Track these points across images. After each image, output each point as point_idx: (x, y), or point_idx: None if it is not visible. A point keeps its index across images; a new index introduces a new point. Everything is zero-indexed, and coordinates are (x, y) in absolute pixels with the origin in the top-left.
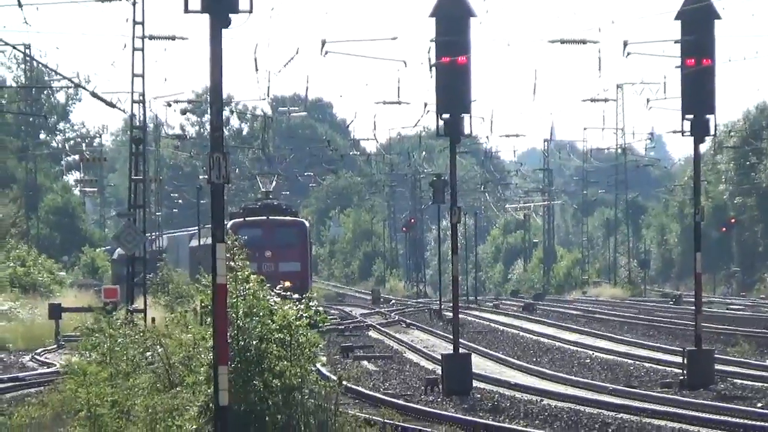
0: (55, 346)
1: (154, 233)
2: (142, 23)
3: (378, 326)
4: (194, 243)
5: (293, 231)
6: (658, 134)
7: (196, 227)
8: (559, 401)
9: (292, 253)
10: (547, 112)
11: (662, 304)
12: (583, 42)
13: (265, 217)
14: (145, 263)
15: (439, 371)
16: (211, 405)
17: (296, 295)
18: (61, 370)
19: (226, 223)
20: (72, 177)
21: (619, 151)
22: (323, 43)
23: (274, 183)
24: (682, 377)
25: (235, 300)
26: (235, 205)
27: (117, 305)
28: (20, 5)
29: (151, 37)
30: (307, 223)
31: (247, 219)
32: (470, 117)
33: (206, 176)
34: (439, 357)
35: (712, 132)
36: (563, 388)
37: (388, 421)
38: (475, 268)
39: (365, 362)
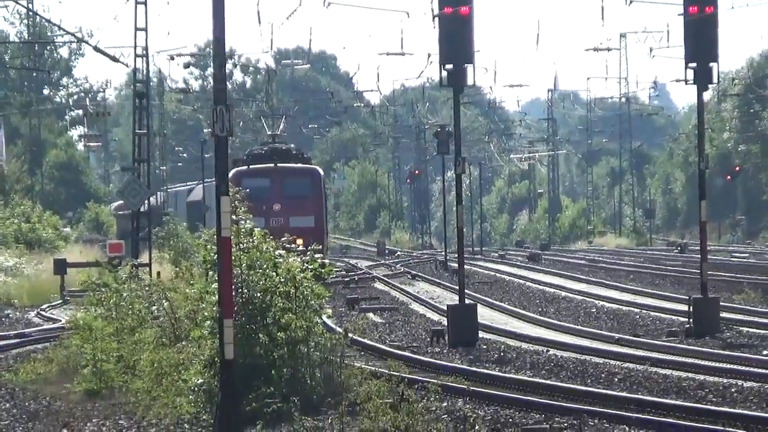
0: (61, 301)
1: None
2: None
3: (383, 278)
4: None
5: (306, 180)
6: (662, 83)
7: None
8: (566, 351)
9: (304, 206)
10: (550, 62)
11: (668, 252)
12: None
13: (272, 165)
14: (150, 218)
15: (445, 322)
16: (216, 359)
17: (301, 247)
18: (66, 325)
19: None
20: (76, 132)
21: (623, 100)
22: None
23: (282, 125)
24: (687, 326)
25: (237, 253)
26: None
27: (122, 260)
28: None
29: None
30: (321, 171)
31: (251, 167)
32: (473, 67)
33: (210, 129)
34: (445, 308)
35: (715, 80)
36: (569, 338)
37: (394, 372)
38: (480, 218)
39: (371, 314)
